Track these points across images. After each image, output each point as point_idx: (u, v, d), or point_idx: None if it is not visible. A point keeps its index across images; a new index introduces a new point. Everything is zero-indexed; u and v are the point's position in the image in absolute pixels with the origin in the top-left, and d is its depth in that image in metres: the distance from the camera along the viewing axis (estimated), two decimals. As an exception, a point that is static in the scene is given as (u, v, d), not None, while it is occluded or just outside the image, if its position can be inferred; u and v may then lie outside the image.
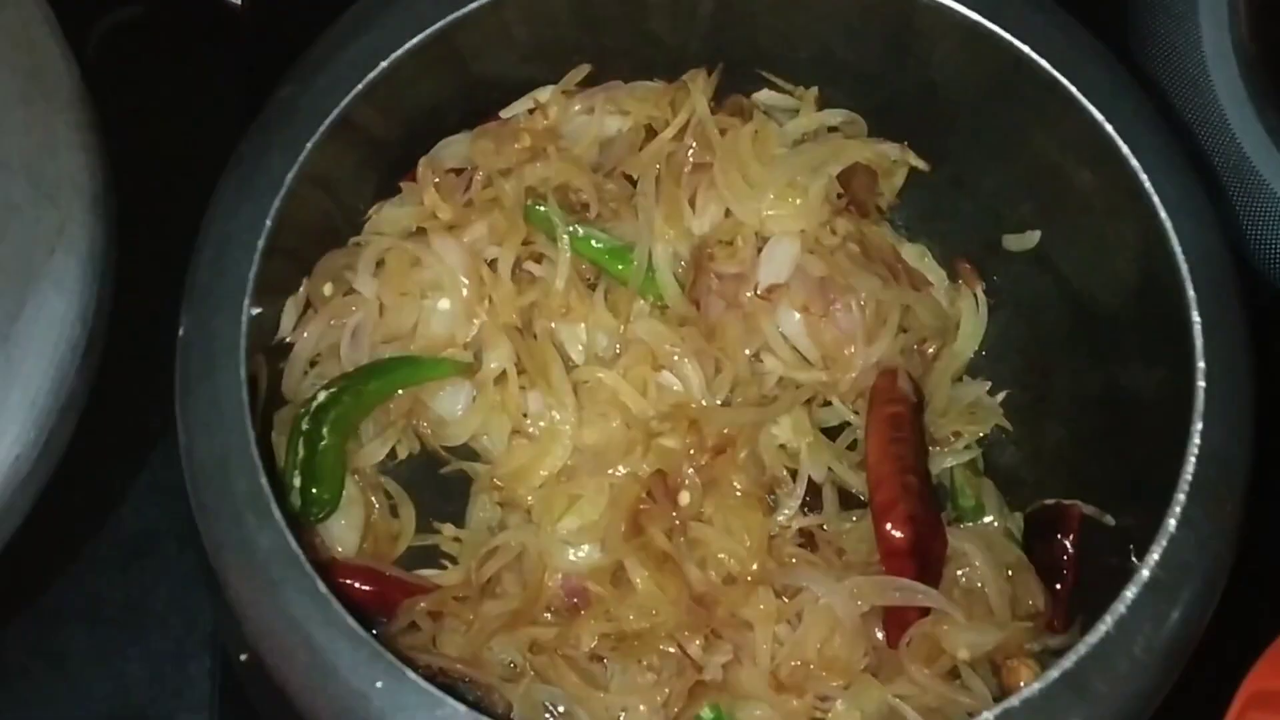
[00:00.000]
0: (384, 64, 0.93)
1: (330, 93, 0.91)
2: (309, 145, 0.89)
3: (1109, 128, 0.92)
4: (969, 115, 1.06)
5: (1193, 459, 0.83)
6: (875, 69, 1.08)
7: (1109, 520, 1.01)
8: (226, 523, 0.80)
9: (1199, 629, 0.82)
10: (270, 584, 0.78)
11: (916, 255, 1.14)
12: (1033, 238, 1.08)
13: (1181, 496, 0.83)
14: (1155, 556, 0.81)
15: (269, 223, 0.88)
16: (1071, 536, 1.03)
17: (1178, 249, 0.88)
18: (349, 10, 1.01)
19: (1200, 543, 0.81)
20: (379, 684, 0.76)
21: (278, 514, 0.80)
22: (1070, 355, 1.08)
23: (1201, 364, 0.86)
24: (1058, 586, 1.02)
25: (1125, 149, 0.91)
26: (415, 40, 0.96)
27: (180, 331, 0.86)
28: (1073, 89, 0.93)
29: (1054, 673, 0.78)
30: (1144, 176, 0.90)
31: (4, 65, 1.01)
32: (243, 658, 0.82)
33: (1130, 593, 0.80)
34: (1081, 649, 0.79)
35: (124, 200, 1.03)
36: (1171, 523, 0.82)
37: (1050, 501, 1.06)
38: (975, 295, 1.13)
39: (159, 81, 1.30)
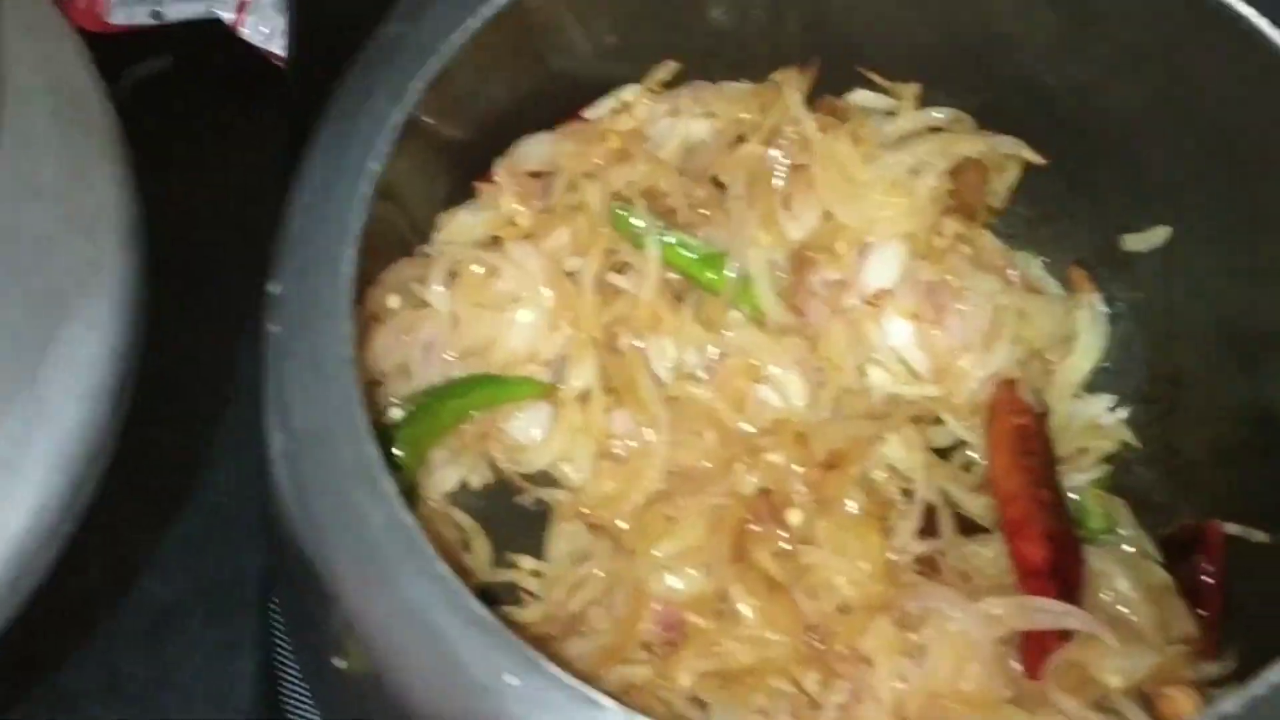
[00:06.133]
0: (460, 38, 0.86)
1: (433, 38, 0.84)
2: (416, 86, 0.82)
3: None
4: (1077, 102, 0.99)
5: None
6: (977, 62, 1.01)
7: (1259, 537, 0.93)
8: (331, 499, 0.70)
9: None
10: (384, 567, 0.68)
11: (1024, 262, 1.06)
12: (1159, 234, 1.01)
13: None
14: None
15: (376, 166, 0.80)
16: (1213, 557, 0.94)
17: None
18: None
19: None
20: (513, 680, 0.66)
21: (390, 486, 0.70)
22: (1205, 364, 1.00)
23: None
24: (1202, 612, 0.93)
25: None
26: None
27: (276, 290, 0.78)
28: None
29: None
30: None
31: (37, 90, 0.93)
32: (342, 665, 0.71)
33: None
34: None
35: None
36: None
37: (1187, 522, 0.97)
38: (1091, 304, 1.05)
39: (188, 135, 1.24)
